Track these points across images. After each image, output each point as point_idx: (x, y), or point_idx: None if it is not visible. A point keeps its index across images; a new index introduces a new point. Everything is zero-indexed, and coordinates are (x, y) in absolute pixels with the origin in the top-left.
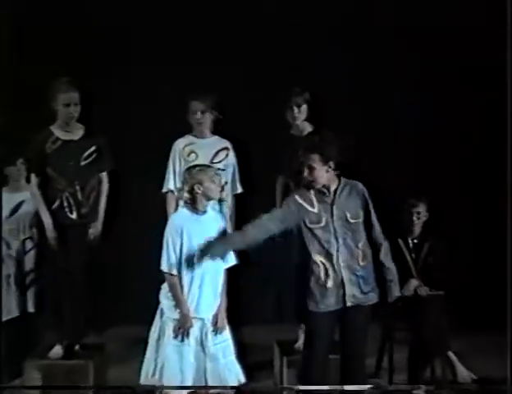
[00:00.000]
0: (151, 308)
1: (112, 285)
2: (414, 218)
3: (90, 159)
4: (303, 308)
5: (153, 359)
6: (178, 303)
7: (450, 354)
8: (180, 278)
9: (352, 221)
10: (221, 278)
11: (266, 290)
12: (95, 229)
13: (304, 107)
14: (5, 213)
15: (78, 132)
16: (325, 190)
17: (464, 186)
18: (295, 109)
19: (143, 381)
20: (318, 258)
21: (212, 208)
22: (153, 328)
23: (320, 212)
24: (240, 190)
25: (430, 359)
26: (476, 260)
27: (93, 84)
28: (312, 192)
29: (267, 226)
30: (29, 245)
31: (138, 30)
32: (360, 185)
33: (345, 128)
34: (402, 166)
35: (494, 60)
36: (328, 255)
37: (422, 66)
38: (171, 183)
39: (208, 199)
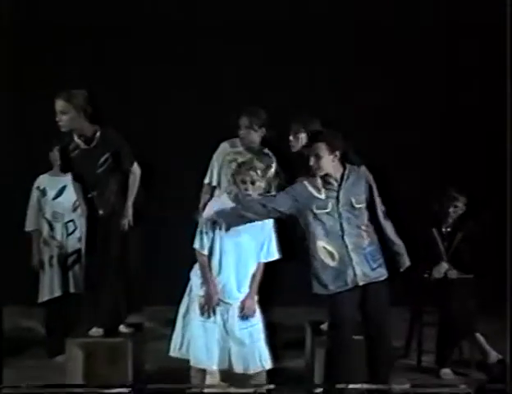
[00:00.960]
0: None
1: (152, 269)
2: (451, 210)
3: (105, 166)
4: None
5: (180, 333)
6: (205, 281)
7: (478, 335)
8: (210, 260)
9: (357, 206)
10: (252, 268)
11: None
12: (125, 221)
13: (303, 136)
14: (50, 195)
15: (94, 138)
16: (330, 179)
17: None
18: (291, 136)
19: (171, 353)
20: (322, 244)
21: None
22: (181, 304)
23: (327, 198)
24: None
25: (457, 340)
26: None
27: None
28: (319, 180)
29: (277, 202)
30: (71, 227)
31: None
32: (365, 170)
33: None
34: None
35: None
36: (333, 240)
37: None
38: (214, 179)
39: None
